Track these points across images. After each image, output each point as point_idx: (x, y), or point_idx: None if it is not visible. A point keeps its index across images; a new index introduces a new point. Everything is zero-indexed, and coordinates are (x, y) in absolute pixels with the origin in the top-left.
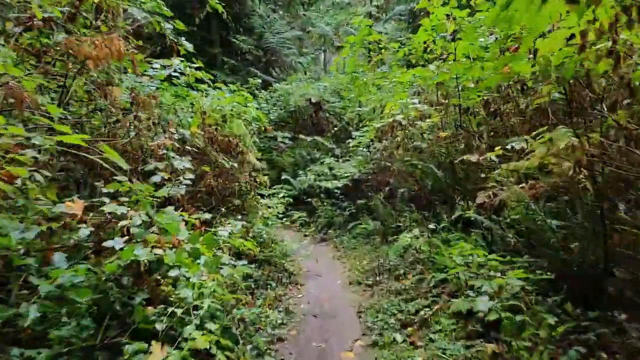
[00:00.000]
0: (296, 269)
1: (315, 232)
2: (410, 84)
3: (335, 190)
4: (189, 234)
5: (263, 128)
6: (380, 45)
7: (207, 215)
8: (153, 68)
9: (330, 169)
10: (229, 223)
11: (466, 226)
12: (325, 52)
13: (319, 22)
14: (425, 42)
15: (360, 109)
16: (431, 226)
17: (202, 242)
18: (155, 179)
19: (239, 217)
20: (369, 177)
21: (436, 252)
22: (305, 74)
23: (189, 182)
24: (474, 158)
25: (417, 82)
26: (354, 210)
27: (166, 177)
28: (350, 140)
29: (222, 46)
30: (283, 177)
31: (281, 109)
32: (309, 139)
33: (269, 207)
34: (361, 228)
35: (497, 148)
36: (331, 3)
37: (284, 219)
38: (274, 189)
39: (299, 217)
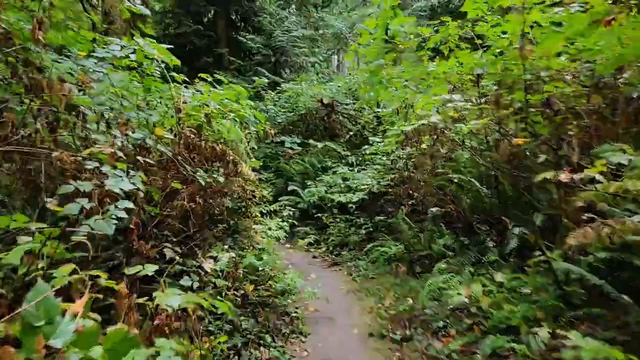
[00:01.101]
0: (301, 312)
1: (326, 253)
2: (443, 79)
3: (350, 205)
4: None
5: (263, 131)
6: (405, 32)
7: (170, 253)
8: (107, 49)
9: (344, 179)
10: (212, 255)
11: (520, 256)
12: (338, 53)
13: (332, 21)
14: (462, 27)
15: (379, 110)
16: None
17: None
18: (73, 209)
19: (231, 242)
20: (389, 190)
21: (492, 300)
22: (317, 74)
23: (123, 213)
24: (564, 177)
25: (450, 77)
26: (371, 229)
27: (93, 205)
28: (366, 146)
29: (229, 46)
30: (290, 188)
31: (290, 112)
32: (319, 144)
33: (269, 229)
34: (381, 251)
35: (599, 162)
36: (345, 5)
37: (289, 238)
38: (280, 200)
39: (306, 234)
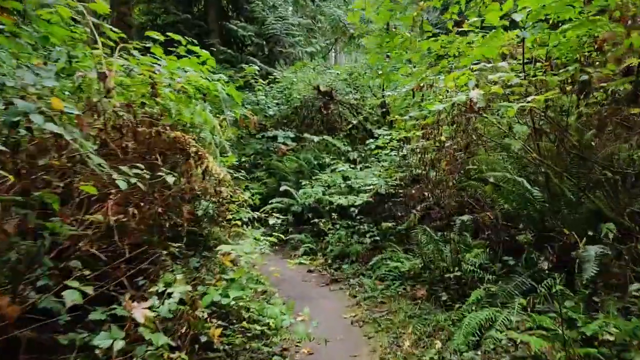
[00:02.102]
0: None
1: (324, 266)
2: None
3: (352, 209)
4: None
5: (243, 118)
6: None
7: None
8: None
9: (345, 178)
10: (157, 289)
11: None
12: (336, 43)
13: (329, 9)
14: None
15: (389, 94)
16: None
17: None
18: None
19: (197, 262)
20: (399, 190)
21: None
22: (313, 63)
23: None
24: None
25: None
26: (377, 237)
27: None
28: (371, 140)
29: (221, 37)
30: (282, 189)
31: (284, 104)
32: (316, 138)
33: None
34: (391, 266)
35: None
36: None
37: (281, 246)
38: (271, 202)
39: (301, 242)
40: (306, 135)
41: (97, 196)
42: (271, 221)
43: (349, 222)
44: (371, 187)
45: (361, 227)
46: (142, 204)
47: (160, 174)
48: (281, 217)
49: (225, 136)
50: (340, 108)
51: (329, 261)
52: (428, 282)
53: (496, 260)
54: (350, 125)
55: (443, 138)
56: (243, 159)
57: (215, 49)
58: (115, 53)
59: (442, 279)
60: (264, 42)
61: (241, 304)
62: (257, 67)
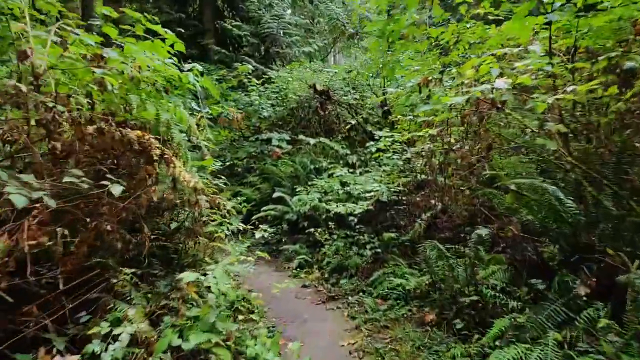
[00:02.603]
0: None
1: (320, 280)
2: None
3: (351, 218)
4: None
5: (226, 117)
6: None
7: None
8: None
9: (343, 184)
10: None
11: None
12: (334, 44)
13: (328, 8)
14: None
15: (392, 91)
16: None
17: None
18: None
19: (166, 288)
20: (402, 198)
21: None
22: (311, 62)
23: None
24: None
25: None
26: (378, 249)
27: None
28: (371, 142)
29: (216, 37)
30: (276, 195)
31: (280, 106)
32: (312, 141)
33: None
34: (394, 283)
35: None
36: None
37: (273, 257)
38: (263, 210)
39: (296, 253)
40: (301, 137)
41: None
42: (257, 234)
43: (348, 232)
44: (372, 193)
45: (361, 237)
46: (87, 220)
47: (105, 183)
48: (269, 230)
49: (203, 136)
50: (338, 109)
51: (326, 275)
52: (438, 304)
53: (520, 282)
54: (349, 127)
55: (452, 140)
56: (236, 163)
57: (209, 49)
58: (52, 30)
59: (454, 300)
60: (260, 42)
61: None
62: (250, 67)
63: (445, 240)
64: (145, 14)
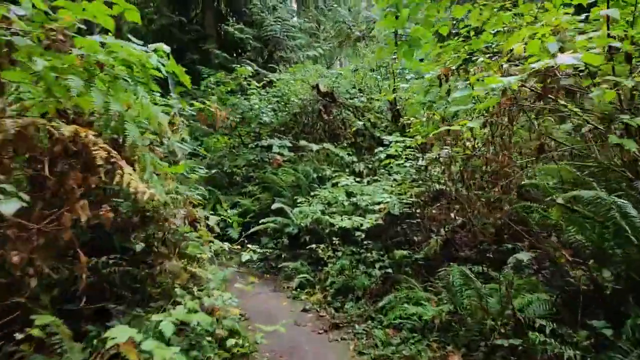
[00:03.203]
0: None
1: (323, 304)
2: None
3: (358, 234)
4: None
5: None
6: None
7: None
8: None
9: (349, 194)
10: None
11: None
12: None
13: (333, 11)
14: None
15: (405, 86)
16: None
17: None
18: None
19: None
20: (416, 210)
21: None
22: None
23: None
24: None
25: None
26: (389, 268)
27: None
28: (380, 148)
29: (219, 42)
30: (275, 206)
31: (282, 111)
32: (315, 147)
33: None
34: (408, 311)
35: None
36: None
37: (272, 275)
38: (262, 222)
39: (296, 271)
40: (303, 143)
41: None
42: (244, 257)
43: (354, 249)
44: (381, 206)
45: (368, 254)
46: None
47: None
48: (258, 250)
49: (178, 137)
50: (343, 113)
51: (329, 298)
52: (463, 341)
53: (573, 321)
54: (355, 132)
55: (474, 144)
56: (235, 171)
57: (211, 53)
58: None
59: (483, 336)
60: (263, 46)
61: None
62: (250, 69)
63: (466, 259)
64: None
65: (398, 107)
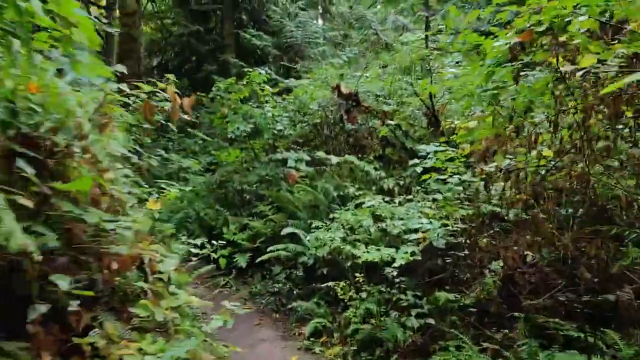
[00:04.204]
0: None
1: None
2: None
3: (389, 270)
4: None
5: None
6: None
7: None
8: None
9: (376, 218)
10: None
11: None
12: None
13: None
14: None
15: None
16: None
17: None
18: None
19: None
20: (466, 241)
21: None
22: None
23: None
24: None
25: None
26: (430, 317)
27: None
28: (415, 160)
29: (238, 52)
30: (286, 231)
31: (302, 122)
32: (334, 159)
33: None
34: None
35: None
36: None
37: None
38: (269, 251)
39: (311, 313)
40: (320, 154)
41: None
42: (213, 325)
43: (383, 288)
44: (420, 235)
45: (402, 296)
46: None
47: None
48: (243, 309)
49: (107, 137)
50: (369, 120)
51: (351, 352)
52: None
53: None
54: (384, 142)
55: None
56: (245, 189)
57: (229, 63)
58: None
59: None
60: (283, 54)
61: None
62: (263, 72)
63: (536, 308)
64: None
65: (437, 109)
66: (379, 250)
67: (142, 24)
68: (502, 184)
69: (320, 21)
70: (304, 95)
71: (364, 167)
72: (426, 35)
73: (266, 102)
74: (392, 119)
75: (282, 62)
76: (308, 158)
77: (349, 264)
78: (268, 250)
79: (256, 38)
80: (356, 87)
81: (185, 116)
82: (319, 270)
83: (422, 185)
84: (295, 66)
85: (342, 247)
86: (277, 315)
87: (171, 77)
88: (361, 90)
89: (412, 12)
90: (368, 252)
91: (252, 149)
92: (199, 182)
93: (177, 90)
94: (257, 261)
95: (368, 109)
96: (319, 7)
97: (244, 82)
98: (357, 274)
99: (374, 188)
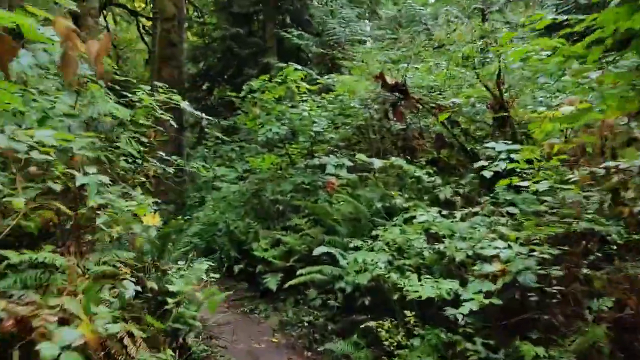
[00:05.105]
0: None
1: None
2: None
3: (452, 311)
4: None
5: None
6: None
7: None
8: None
9: (432, 237)
10: None
11: None
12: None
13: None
14: None
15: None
16: None
17: None
18: None
19: None
20: (563, 272)
21: None
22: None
23: None
24: None
25: None
26: None
27: None
28: (481, 163)
29: (280, 55)
30: (318, 251)
31: (344, 124)
32: (378, 163)
33: None
34: None
35: None
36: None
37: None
38: (299, 274)
39: (343, 355)
40: (360, 157)
41: None
42: None
43: (442, 334)
44: (497, 266)
45: (469, 345)
46: None
47: None
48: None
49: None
50: (421, 121)
51: None
52: None
53: None
54: (440, 143)
55: None
56: (279, 199)
57: (270, 66)
58: None
59: None
60: (326, 53)
61: None
62: (298, 67)
63: None
64: None
65: (506, 102)
66: (437, 282)
67: (184, 31)
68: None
69: (367, 22)
70: (345, 93)
71: (414, 172)
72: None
73: (303, 101)
74: (448, 115)
75: (324, 61)
76: (350, 163)
77: (396, 296)
78: (298, 274)
79: (297, 38)
80: (403, 76)
81: (88, 71)
82: (359, 299)
83: (492, 195)
84: (335, 53)
85: (387, 275)
86: (310, 354)
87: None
88: (410, 85)
89: (467, 7)
90: (422, 284)
91: (288, 154)
92: (231, 192)
93: (74, 27)
94: (288, 285)
95: (418, 102)
96: (365, 6)
97: (278, 80)
98: (407, 312)
99: (426, 198)
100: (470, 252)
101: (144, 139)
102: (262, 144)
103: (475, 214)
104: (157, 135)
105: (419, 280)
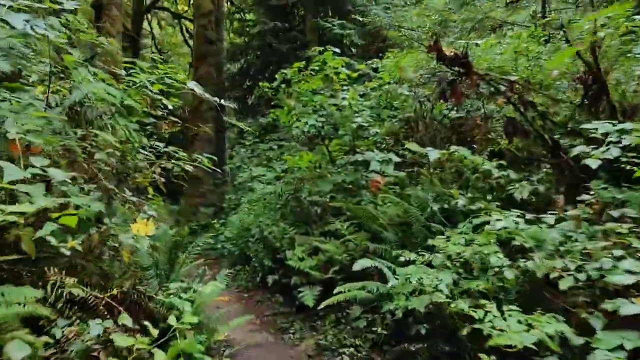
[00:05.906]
0: None
1: None
2: None
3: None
4: None
5: None
6: None
7: None
8: None
9: (508, 247)
10: None
11: None
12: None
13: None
14: None
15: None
16: None
17: None
18: None
19: None
20: None
21: None
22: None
23: None
24: None
25: None
26: None
27: None
28: (585, 148)
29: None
30: (360, 264)
31: (390, 116)
32: (435, 154)
33: None
34: None
35: None
36: None
37: None
38: (344, 292)
39: None
40: (411, 146)
41: None
42: None
43: None
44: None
45: None
46: None
47: None
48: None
49: None
50: (485, 105)
51: None
52: None
53: None
54: (510, 129)
55: None
56: (316, 201)
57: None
58: None
59: None
60: (369, 43)
61: None
62: (337, 50)
63: None
64: None
65: (604, 72)
66: (532, 318)
67: (223, 28)
68: None
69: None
70: (391, 82)
71: (481, 164)
72: None
73: (343, 89)
74: (522, 94)
75: (368, 51)
76: (397, 159)
77: (465, 331)
78: (336, 291)
79: (339, 27)
80: (465, 48)
81: None
82: (413, 326)
83: (592, 193)
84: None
85: (452, 304)
86: None
87: None
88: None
89: None
90: (507, 328)
91: (327, 150)
92: (267, 193)
93: None
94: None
95: (483, 79)
96: None
97: (315, 67)
98: (481, 355)
99: (494, 196)
100: (582, 277)
101: (146, 135)
102: (302, 142)
103: (562, 219)
104: (170, 126)
105: (500, 311)
